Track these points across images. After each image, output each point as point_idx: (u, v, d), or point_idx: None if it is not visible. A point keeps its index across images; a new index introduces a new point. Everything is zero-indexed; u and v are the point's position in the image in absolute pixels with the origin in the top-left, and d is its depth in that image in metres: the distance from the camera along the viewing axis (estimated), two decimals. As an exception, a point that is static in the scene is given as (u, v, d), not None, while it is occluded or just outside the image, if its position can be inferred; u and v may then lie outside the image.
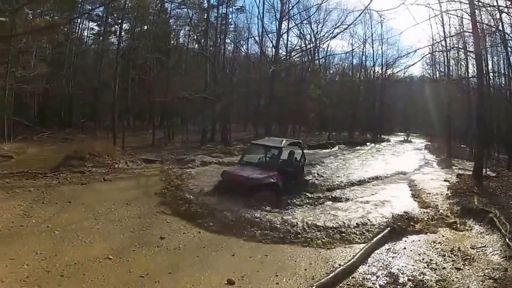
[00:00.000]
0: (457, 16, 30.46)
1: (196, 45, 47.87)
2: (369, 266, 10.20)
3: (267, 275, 9.60)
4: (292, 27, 47.71)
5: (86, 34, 46.92)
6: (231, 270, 9.69)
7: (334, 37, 56.02)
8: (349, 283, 9.13)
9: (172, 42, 47.79)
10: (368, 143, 47.22)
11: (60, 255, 9.89)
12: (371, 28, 55.40)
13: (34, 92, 36.11)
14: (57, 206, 14.15)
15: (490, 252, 11.19)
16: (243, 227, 12.80)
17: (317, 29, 50.61)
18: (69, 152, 22.55)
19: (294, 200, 16.66)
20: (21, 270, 8.89)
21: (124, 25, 42.62)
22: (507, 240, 11.63)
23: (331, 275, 9.27)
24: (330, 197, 17.88)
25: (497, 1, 27.11)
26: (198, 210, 14.06)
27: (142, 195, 16.55)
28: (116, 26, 44.78)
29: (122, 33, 42.37)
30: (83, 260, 9.71)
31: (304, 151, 19.62)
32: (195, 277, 9.31)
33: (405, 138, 57.08)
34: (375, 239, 12.02)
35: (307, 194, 17.65)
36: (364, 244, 11.60)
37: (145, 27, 43.15)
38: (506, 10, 25.58)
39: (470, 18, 22.97)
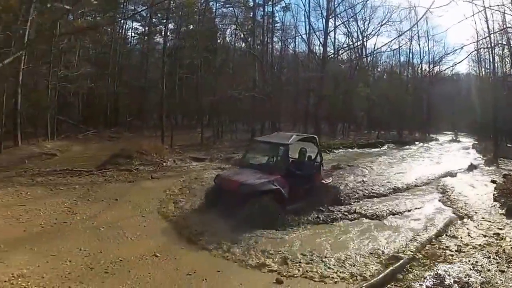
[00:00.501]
0: (500, 11, 29.26)
1: (243, 44, 47.35)
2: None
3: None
4: (339, 25, 46.16)
5: (130, 34, 47.17)
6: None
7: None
8: (396, 284, 8.56)
9: (218, 41, 47.72)
10: (416, 142, 45.80)
11: (105, 252, 9.39)
12: (417, 25, 53.50)
13: (78, 91, 36.00)
14: (103, 203, 13.61)
15: (536, 254, 10.34)
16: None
17: (364, 26, 49.49)
18: (115, 150, 22.33)
19: (304, 216, 12.83)
20: (63, 267, 8.38)
21: (169, 25, 42.18)
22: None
23: (381, 275, 8.70)
24: (361, 210, 13.92)
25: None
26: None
27: (190, 193, 15.60)
28: (161, 26, 44.73)
29: (168, 33, 41.96)
30: (128, 257, 9.23)
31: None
32: (243, 275, 8.68)
33: (453, 138, 55.15)
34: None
35: (330, 205, 14.02)
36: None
37: (191, 27, 43.19)
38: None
39: (512, 14, 21.62)
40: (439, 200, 16.13)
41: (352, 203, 14.80)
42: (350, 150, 32.95)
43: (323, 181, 14.82)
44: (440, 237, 11.18)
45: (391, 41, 54.91)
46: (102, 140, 32.50)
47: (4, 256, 8.62)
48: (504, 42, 35.98)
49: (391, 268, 8.99)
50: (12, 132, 26.35)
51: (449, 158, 31.33)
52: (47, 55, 30.65)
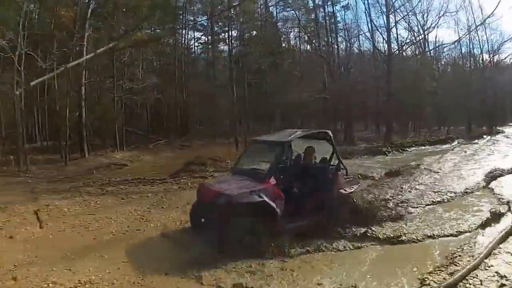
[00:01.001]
0: None
1: (308, 46, 47.01)
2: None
3: None
4: (399, 20, 44.82)
5: (193, 43, 47.40)
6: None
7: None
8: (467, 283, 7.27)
9: (283, 44, 47.52)
10: (484, 136, 42.59)
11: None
12: (473, 14, 51.39)
13: (145, 102, 36.52)
14: (177, 210, 12.64)
15: None
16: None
17: (423, 19, 47.21)
18: (188, 158, 22.09)
19: (308, 246, 9.12)
20: (135, 273, 7.86)
21: (232, 32, 42.36)
22: None
23: (459, 273, 7.48)
24: (387, 232, 10.10)
25: None
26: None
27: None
28: (223, 34, 44.82)
29: (232, 40, 42.25)
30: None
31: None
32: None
33: None
34: (499, 235, 9.43)
35: (351, 224, 10.22)
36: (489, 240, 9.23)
37: (254, 33, 43.54)
38: None
39: None
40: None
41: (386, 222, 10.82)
42: (422, 147, 31.17)
43: (342, 190, 10.72)
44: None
45: (460, 38, 53.07)
46: (173, 149, 32.61)
47: (71, 264, 8.09)
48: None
49: (467, 267, 7.73)
50: (78, 144, 26.82)
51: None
52: (109, 69, 31.28)
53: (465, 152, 26.95)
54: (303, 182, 10.42)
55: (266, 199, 9.03)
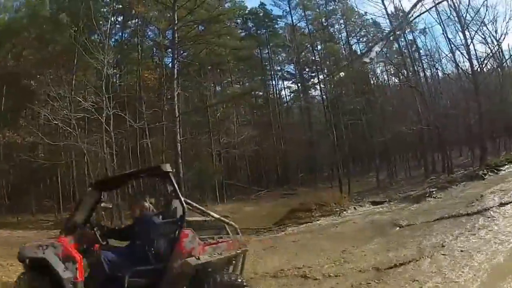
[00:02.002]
0: None
1: (396, 79, 46.95)
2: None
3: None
4: (474, 34, 43.54)
5: (284, 93, 48.11)
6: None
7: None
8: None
9: (372, 81, 47.29)
10: None
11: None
12: None
13: (243, 154, 37.14)
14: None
15: None
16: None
17: (493, 28, 46.07)
18: (291, 206, 22.43)
19: None
20: None
21: (320, 76, 42.68)
22: None
23: None
24: None
25: None
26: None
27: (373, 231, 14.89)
28: (313, 80, 45.08)
29: (322, 85, 42.40)
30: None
31: None
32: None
33: None
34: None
35: None
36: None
37: (342, 74, 42.27)
38: None
39: None
40: None
41: None
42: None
43: (192, 258, 6.78)
44: None
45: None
46: (275, 198, 32.66)
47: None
48: None
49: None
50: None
51: None
52: (204, 126, 32.88)
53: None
54: (130, 245, 7.55)
55: (49, 256, 6.84)
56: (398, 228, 14.54)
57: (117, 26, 35.85)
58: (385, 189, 29.40)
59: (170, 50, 32.60)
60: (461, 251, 9.75)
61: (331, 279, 9.38)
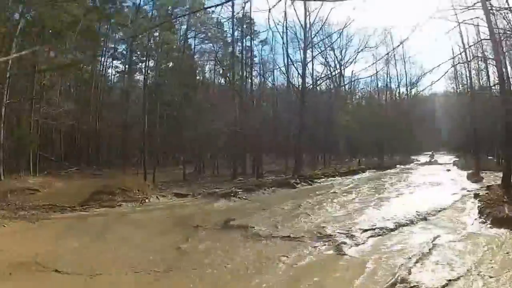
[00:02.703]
0: (473, 24, 29.31)
1: (223, 80, 48.52)
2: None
3: None
4: (316, 55, 47.06)
5: (110, 71, 47.22)
6: None
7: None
8: None
9: (198, 77, 48.16)
10: (397, 166, 48.22)
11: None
12: (393, 49, 54.41)
13: (60, 128, 36.19)
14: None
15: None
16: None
17: (341, 55, 50.79)
18: (98, 187, 22.48)
19: None
20: None
21: (149, 63, 42.44)
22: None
23: None
24: None
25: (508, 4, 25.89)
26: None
27: (174, 226, 16.19)
28: (141, 64, 44.90)
29: (148, 71, 42.11)
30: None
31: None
32: None
33: (430, 160, 57.27)
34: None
35: None
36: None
37: (170, 64, 44.02)
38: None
39: (486, 25, 22.59)
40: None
41: None
42: (332, 178, 33.36)
43: None
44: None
45: (368, 66, 56.60)
46: (84, 177, 32.33)
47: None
48: (479, 55, 36.60)
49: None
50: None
51: (429, 178, 32.63)
52: (29, 91, 31.02)
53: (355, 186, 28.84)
54: None
55: None
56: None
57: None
58: (191, 183, 30.01)
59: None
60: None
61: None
